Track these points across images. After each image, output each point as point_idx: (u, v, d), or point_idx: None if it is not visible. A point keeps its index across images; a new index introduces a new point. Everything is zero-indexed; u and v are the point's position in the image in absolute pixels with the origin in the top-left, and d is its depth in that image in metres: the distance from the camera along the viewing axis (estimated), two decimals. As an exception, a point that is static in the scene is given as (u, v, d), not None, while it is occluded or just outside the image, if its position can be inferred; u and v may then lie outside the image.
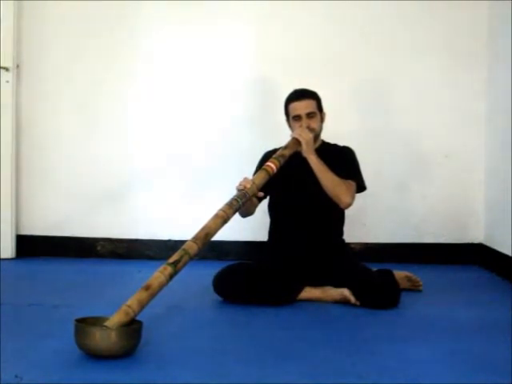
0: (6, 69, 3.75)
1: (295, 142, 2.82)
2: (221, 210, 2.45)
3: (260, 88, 3.87)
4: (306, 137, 2.81)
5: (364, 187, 3.00)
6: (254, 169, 2.98)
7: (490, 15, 3.78)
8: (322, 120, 2.99)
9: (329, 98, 3.09)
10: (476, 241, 3.86)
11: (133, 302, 2.07)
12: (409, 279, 3.08)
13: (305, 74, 3.72)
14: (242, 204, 2.54)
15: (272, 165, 2.68)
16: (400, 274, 3.05)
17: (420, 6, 3.82)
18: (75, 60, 3.91)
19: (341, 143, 3.08)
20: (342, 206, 2.87)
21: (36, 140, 3.93)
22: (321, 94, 3.01)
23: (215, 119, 3.90)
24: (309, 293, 2.80)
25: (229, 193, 2.66)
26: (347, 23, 3.86)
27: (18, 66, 3.82)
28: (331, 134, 3.07)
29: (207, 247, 2.41)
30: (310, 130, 2.87)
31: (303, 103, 2.92)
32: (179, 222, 3.84)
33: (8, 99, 3.77)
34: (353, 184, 2.90)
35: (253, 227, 3.51)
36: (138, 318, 2.08)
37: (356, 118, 3.87)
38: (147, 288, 2.11)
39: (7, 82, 3.76)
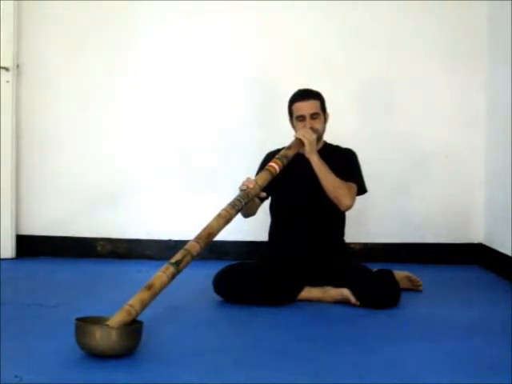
0: (6, 69, 3.75)
1: (298, 142, 2.81)
2: (223, 209, 2.44)
3: (262, 88, 3.87)
4: (309, 137, 2.80)
5: (365, 190, 2.99)
6: (256, 169, 2.98)
7: (489, 15, 3.79)
8: (325, 121, 2.98)
9: (329, 99, 3.08)
10: (476, 241, 3.86)
11: (135, 301, 2.07)
12: (409, 279, 3.08)
13: (305, 74, 3.72)
14: (245, 204, 2.54)
15: (275, 165, 2.67)
16: (400, 273, 3.05)
17: (420, 6, 3.82)
18: (75, 60, 3.91)
19: (341, 143, 3.08)
20: (341, 207, 2.86)
21: (36, 140, 3.93)
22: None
23: (216, 119, 3.90)
24: (309, 293, 2.80)
25: (230, 193, 2.66)
26: (348, 23, 3.86)
27: (18, 66, 3.83)
28: (331, 134, 3.07)
29: (207, 247, 2.41)
30: (314, 130, 2.86)
31: (307, 103, 2.92)
32: (179, 222, 3.84)
33: (8, 99, 3.77)
34: (353, 186, 2.90)
35: (253, 227, 3.51)
36: (137, 317, 2.08)
37: (356, 118, 3.87)
38: (149, 287, 2.11)
39: (7, 82, 3.76)
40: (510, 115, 3.39)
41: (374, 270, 2.93)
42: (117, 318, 2.02)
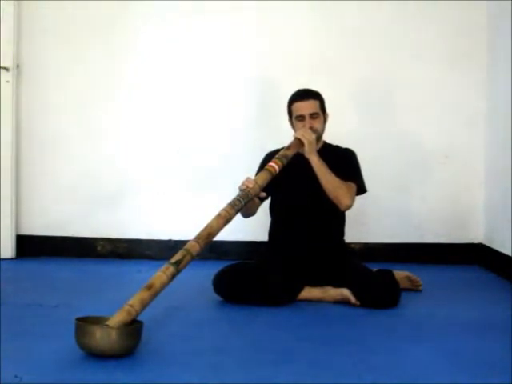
0: (6, 69, 3.75)
1: (298, 142, 2.81)
2: (223, 209, 2.44)
3: (262, 88, 3.87)
4: (308, 137, 2.80)
5: (364, 189, 2.99)
6: (256, 169, 2.98)
7: (489, 15, 3.79)
8: (324, 121, 2.98)
9: (329, 99, 3.09)
10: (476, 241, 3.86)
11: (135, 301, 2.07)
12: (409, 279, 3.08)
13: (305, 74, 3.72)
14: (245, 204, 2.54)
15: (275, 165, 2.67)
16: (400, 273, 3.05)
17: (420, 6, 3.82)
18: (75, 60, 3.91)
19: (340, 143, 3.08)
20: (341, 207, 2.86)
21: (36, 140, 3.93)
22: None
23: (216, 119, 3.90)
24: (309, 293, 2.80)
25: (230, 193, 2.66)
26: (347, 23, 3.86)
27: (18, 66, 3.83)
28: (331, 134, 3.07)
29: (207, 247, 2.41)
30: (313, 130, 2.86)
31: (307, 103, 2.92)
32: (179, 222, 3.84)
33: (8, 99, 3.77)
34: (353, 186, 2.90)
35: (253, 227, 3.51)
36: (137, 317, 2.08)
37: (356, 118, 3.87)
38: (149, 287, 2.11)
39: (7, 82, 3.76)
40: (509, 115, 3.39)
41: (374, 269, 2.93)
42: (117, 318, 2.02)
